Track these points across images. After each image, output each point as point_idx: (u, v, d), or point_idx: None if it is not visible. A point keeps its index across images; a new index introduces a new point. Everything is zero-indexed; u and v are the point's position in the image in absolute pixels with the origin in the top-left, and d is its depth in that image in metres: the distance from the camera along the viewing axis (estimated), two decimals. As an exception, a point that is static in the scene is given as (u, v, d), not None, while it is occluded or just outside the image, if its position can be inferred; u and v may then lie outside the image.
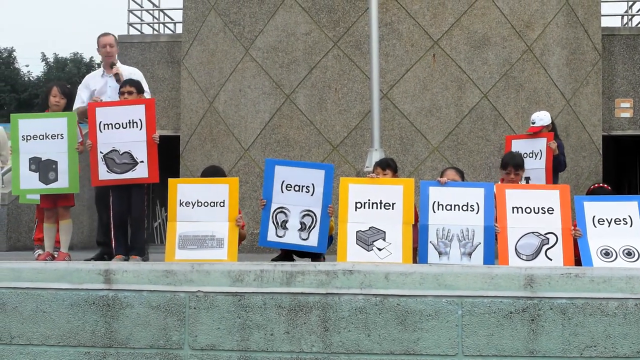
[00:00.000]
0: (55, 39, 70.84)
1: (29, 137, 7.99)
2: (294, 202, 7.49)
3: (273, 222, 7.50)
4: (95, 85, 8.81)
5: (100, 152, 7.88)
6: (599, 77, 14.58)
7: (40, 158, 7.98)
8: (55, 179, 7.99)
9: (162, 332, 6.72)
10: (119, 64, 8.87)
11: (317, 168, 7.76)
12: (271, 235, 7.50)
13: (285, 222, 7.48)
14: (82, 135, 8.32)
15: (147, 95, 8.67)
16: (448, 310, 6.49)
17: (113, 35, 8.95)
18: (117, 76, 8.62)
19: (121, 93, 8.18)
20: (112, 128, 7.87)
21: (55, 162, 7.97)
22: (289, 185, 7.52)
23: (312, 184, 7.51)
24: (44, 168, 7.97)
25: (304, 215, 7.46)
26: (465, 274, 6.53)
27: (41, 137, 7.98)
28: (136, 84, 8.28)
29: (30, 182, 8.03)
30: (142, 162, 7.85)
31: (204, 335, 6.68)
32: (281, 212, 7.51)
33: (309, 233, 7.44)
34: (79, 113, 8.48)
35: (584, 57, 14.03)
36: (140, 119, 7.84)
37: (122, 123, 7.86)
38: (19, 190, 8.21)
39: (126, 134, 7.84)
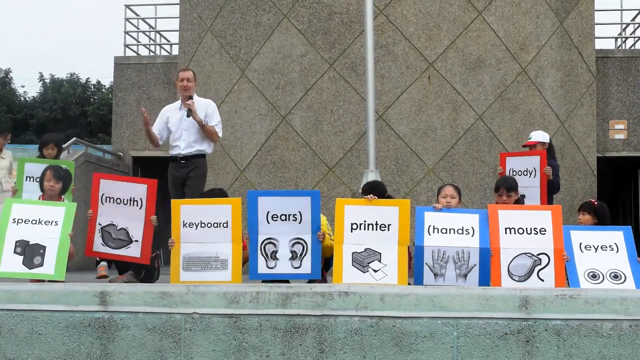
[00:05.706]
0: (51, 59, 70.96)
1: (20, 221, 7.61)
2: (282, 231, 7.34)
3: (262, 254, 7.35)
4: (171, 116, 9.22)
5: (99, 223, 7.89)
6: (593, 99, 14.67)
7: (28, 242, 7.54)
8: (41, 264, 7.49)
9: (158, 354, 6.70)
10: (195, 97, 9.14)
11: (303, 195, 7.58)
12: (262, 268, 7.34)
13: (275, 252, 7.33)
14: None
15: (218, 128, 9.07)
16: (443, 331, 6.49)
17: (192, 71, 9.30)
18: (189, 111, 8.95)
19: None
20: (113, 202, 7.88)
21: (44, 247, 7.54)
22: (275, 216, 7.38)
23: (299, 212, 7.37)
24: (30, 252, 7.52)
25: (294, 244, 7.34)
26: (460, 296, 6.53)
27: (34, 221, 7.63)
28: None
29: (12, 265, 7.46)
30: (136, 241, 7.82)
31: (199, 357, 6.66)
32: (269, 243, 7.36)
33: (301, 261, 7.32)
34: (148, 136, 9.23)
35: (578, 79, 14.12)
36: (141, 198, 7.82)
37: (124, 199, 7.85)
38: None
39: (126, 211, 7.83)
